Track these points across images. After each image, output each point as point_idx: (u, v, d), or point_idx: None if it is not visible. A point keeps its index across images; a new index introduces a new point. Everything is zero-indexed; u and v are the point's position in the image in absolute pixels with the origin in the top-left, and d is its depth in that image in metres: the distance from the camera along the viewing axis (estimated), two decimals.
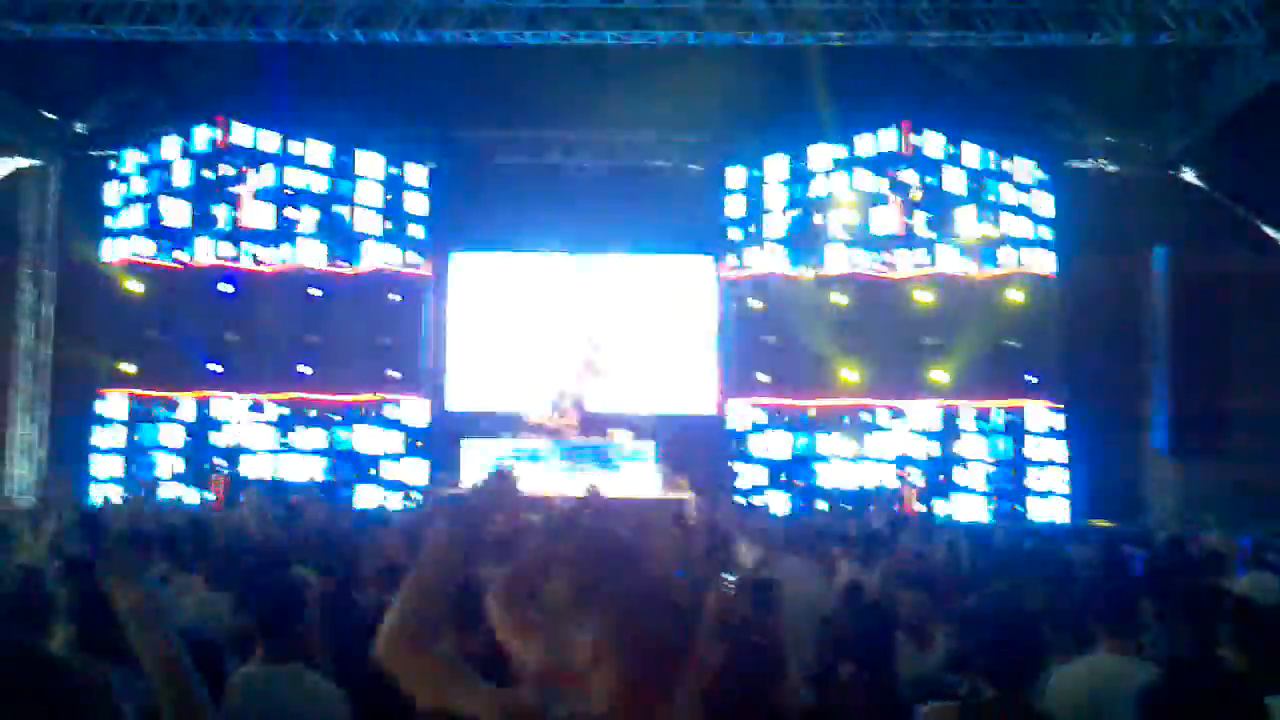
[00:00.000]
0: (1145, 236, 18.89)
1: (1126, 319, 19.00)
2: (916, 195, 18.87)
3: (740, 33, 15.79)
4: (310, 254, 19.25)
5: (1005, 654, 3.55)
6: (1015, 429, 18.79)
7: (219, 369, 18.56)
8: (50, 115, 18.93)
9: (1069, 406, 18.53)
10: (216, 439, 18.70)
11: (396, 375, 19.42)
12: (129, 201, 19.12)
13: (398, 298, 19.68)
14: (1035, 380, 18.59)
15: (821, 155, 19.26)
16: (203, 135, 18.93)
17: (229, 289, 18.84)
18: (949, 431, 18.74)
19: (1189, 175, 17.77)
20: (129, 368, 18.50)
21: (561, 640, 2.55)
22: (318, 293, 19.13)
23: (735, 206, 19.82)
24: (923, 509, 17.33)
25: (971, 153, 19.07)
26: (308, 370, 18.84)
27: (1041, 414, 18.73)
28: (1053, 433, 18.67)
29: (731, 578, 5.70)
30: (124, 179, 19.15)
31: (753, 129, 19.01)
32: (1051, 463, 18.64)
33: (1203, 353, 17.67)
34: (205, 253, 18.87)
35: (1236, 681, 2.93)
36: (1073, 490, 18.43)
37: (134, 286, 18.72)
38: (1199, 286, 17.76)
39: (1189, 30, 15.05)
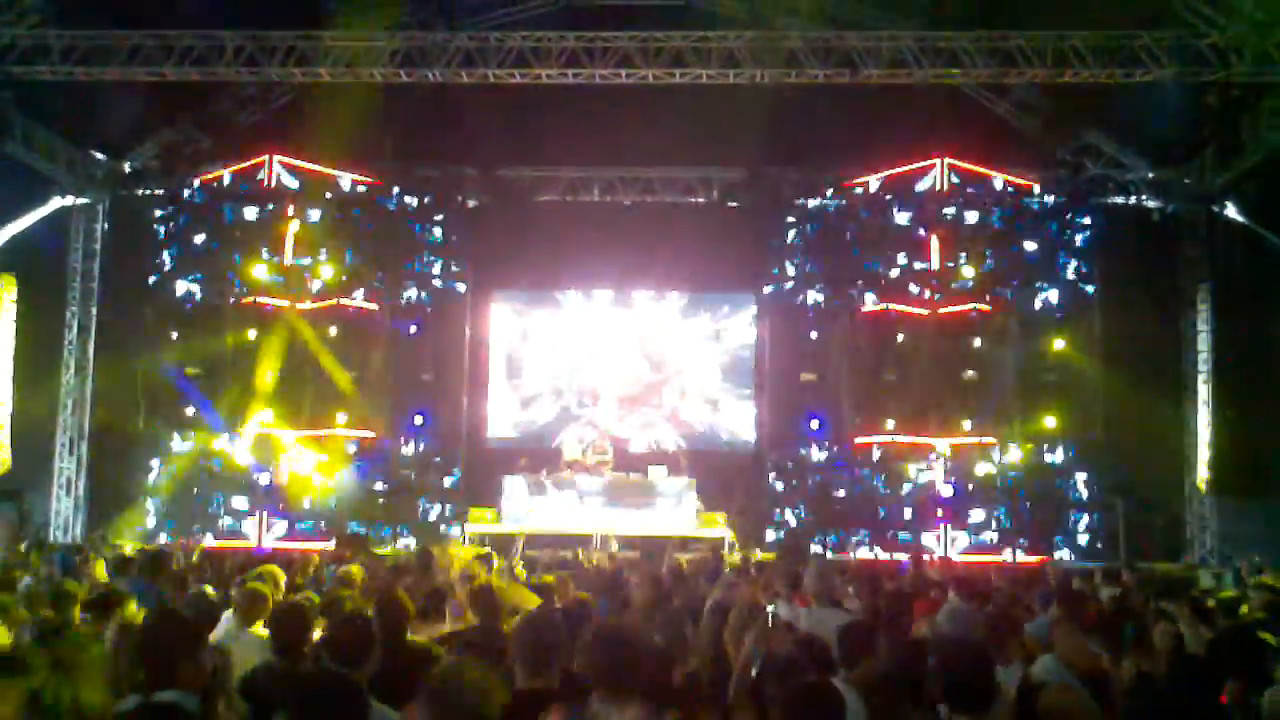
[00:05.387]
0: (1187, 272, 18.81)
1: (1168, 355, 18.85)
2: (955, 232, 18.83)
3: (782, 70, 15.81)
4: (352, 290, 19.32)
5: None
6: (1056, 467, 18.60)
7: (265, 408, 18.55)
8: (99, 155, 19.22)
9: (1110, 444, 18.29)
10: (263, 478, 18.63)
11: (434, 410, 19.41)
12: (174, 239, 19.28)
13: (437, 333, 19.70)
14: (1074, 417, 18.41)
15: (861, 191, 19.26)
16: (248, 174, 19.17)
17: (270, 326, 18.92)
18: (985, 469, 18.56)
19: (1231, 210, 17.68)
20: (180, 406, 18.55)
21: None
22: (359, 328, 19.21)
23: (775, 243, 19.71)
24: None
25: (1012, 188, 19.04)
26: (343, 415, 18.86)
27: (1082, 452, 18.54)
28: (1093, 472, 18.46)
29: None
30: (170, 218, 19.31)
31: (793, 166, 19.06)
32: (1092, 501, 18.43)
33: (1245, 390, 17.50)
34: (252, 290, 18.90)
35: None
36: (1114, 529, 18.14)
37: (178, 323, 18.86)
38: (1241, 322, 17.62)
39: (1230, 66, 14.99)
